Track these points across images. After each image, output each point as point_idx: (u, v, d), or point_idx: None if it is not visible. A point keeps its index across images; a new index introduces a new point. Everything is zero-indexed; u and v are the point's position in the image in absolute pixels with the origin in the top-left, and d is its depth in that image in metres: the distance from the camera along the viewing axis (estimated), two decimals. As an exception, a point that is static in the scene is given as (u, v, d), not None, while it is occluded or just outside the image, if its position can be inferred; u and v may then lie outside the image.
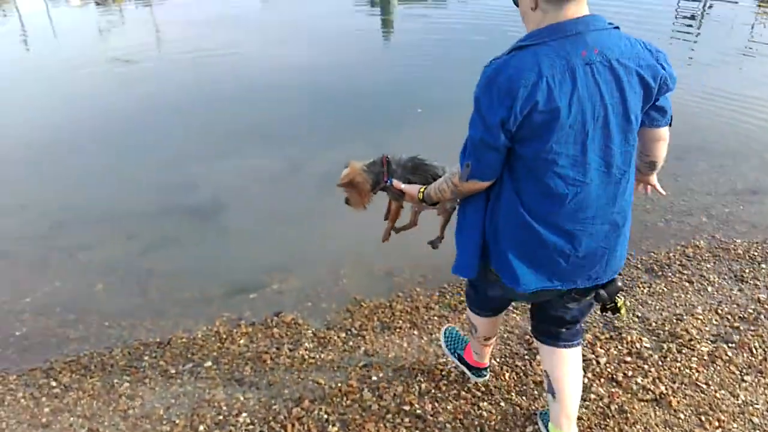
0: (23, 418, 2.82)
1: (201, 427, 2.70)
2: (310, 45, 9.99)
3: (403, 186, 2.39)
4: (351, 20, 12.24)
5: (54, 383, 3.04)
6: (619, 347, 3.08)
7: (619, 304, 2.06)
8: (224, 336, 3.36)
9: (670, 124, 2.04)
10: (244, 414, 2.76)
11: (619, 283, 2.04)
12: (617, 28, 1.74)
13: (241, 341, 3.31)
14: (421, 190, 2.27)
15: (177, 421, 2.74)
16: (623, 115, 1.74)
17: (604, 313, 2.34)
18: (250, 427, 2.68)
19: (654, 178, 2.39)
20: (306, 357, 3.15)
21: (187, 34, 11.08)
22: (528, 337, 3.19)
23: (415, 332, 3.34)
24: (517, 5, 1.79)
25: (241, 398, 2.86)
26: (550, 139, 1.69)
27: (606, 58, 1.66)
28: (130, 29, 12.14)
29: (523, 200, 1.83)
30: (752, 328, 3.19)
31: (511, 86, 1.63)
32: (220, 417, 2.75)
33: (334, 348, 3.23)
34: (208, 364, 3.13)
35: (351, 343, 3.26)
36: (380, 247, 4.17)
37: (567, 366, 2.29)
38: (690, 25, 10.53)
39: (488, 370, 2.87)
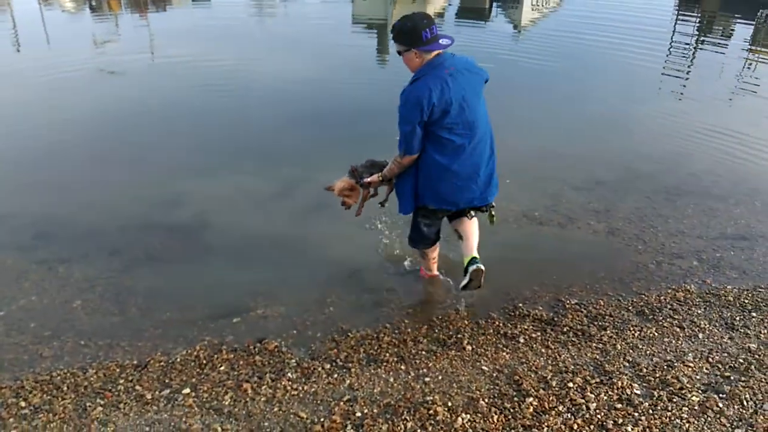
0: (-12, 441, 2.69)
1: (175, 459, 2.59)
2: (305, 61, 10.01)
3: (370, 179, 3.60)
4: (347, 39, 12.32)
5: (23, 403, 2.91)
6: (610, 393, 3.02)
7: (494, 215, 3.73)
8: (204, 361, 3.25)
9: None
10: (221, 447, 2.65)
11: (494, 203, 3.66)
12: (453, 54, 3.22)
13: (222, 368, 3.20)
14: (380, 175, 3.56)
15: (150, 452, 2.63)
16: (476, 95, 3.24)
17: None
18: (227, 461, 2.57)
19: None
20: (288, 388, 3.05)
21: (181, 44, 11.05)
22: (517, 377, 3.12)
23: (402, 367, 3.25)
24: (401, 54, 3.23)
25: (219, 429, 2.75)
26: (448, 118, 3.14)
27: (458, 69, 3.15)
28: (124, 37, 12.06)
29: (441, 155, 3.27)
30: (743, 378, 3.15)
31: (418, 101, 3.07)
32: (196, 449, 2.64)
33: (318, 380, 3.13)
34: (186, 390, 3.02)
35: (336, 376, 3.17)
36: (368, 277, 4.14)
37: (470, 225, 3.73)
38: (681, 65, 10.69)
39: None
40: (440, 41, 3.12)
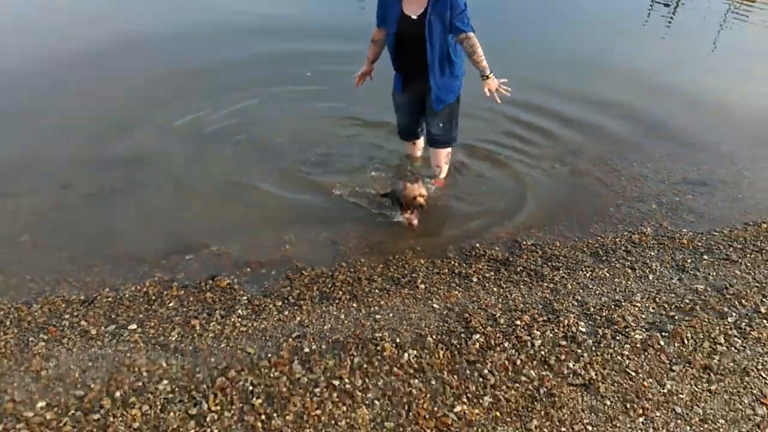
0: (-73, 374, 2.65)
1: (117, 393, 2.58)
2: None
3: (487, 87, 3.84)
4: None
5: (-37, 338, 2.87)
6: (555, 330, 3.07)
7: None
8: (153, 297, 3.22)
9: None
10: (165, 381, 2.65)
11: None
12: None
13: (171, 304, 3.17)
14: (487, 74, 3.78)
15: (92, 386, 2.62)
16: None
17: None
18: (170, 395, 2.58)
19: None
20: (238, 324, 3.04)
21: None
22: (467, 315, 3.15)
23: (354, 304, 3.26)
24: None
25: (164, 364, 2.74)
26: None
27: None
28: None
29: None
30: (687, 318, 3.22)
31: None
32: (139, 383, 2.63)
33: (268, 317, 3.12)
34: (133, 326, 2.99)
35: (287, 313, 3.16)
36: (327, 215, 4.10)
37: None
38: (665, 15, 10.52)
39: None
40: None
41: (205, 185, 4.37)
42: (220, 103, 5.60)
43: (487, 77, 3.77)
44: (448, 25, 3.65)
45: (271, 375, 2.71)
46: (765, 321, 3.24)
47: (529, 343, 2.95)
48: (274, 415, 2.50)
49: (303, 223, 4.00)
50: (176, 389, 2.61)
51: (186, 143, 4.90)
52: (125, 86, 5.88)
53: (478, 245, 3.86)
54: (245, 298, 3.27)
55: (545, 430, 2.47)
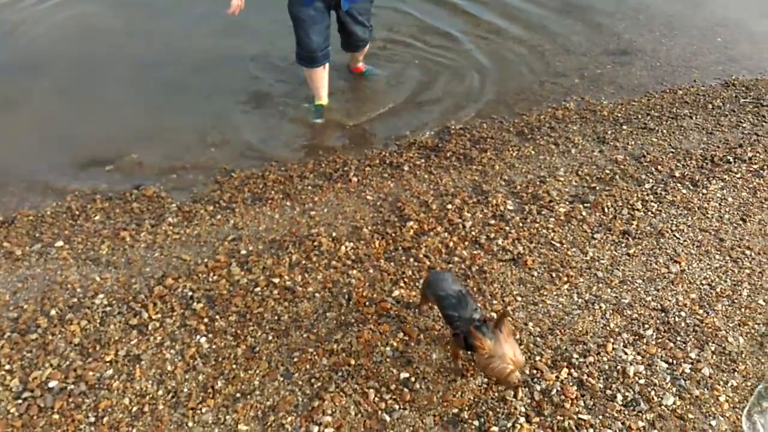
0: None
1: (53, 311, 2.54)
2: None
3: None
4: None
5: None
6: (485, 211, 3.17)
7: None
8: (77, 212, 3.11)
9: None
10: (101, 295, 2.61)
11: None
12: None
13: (97, 218, 3.08)
14: None
15: (25, 306, 2.56)
16: None
17: None
18: (108, 308, 2.56)
19: None
20: (169, 232, 3.00)
21: None
22: (400, 204, 3.20)
23: (288, 203, 3.24)
24: None
25: (98, 278, 2.70)
26: None
27: None
28: None
29: None
30: (607, 188, 3.37)
31: None
32: (74, 299, 2.59)
33: (200, 222, 3.08)
34: (59, 243, 2.90)
35: (219, 217, 3.12)
36: (252, 115, 3.97)
37: None
38: None
39: None
40: None
41: (113, 89, 4.12)
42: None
43: None
44: None
45: (210, 279, 2.72)
46: (679, 185, 3.44)
47: (460, 225, 3.05)
48: (217, 317, 2.54)
49: (226, 123, 3.87)
50: (114, 302, 2.58)
51: (86, 44, 4.54)
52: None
53: (407, 133, 3.86)
54: (174, 205, 3.20)
55: (479, 304, 2.62)
